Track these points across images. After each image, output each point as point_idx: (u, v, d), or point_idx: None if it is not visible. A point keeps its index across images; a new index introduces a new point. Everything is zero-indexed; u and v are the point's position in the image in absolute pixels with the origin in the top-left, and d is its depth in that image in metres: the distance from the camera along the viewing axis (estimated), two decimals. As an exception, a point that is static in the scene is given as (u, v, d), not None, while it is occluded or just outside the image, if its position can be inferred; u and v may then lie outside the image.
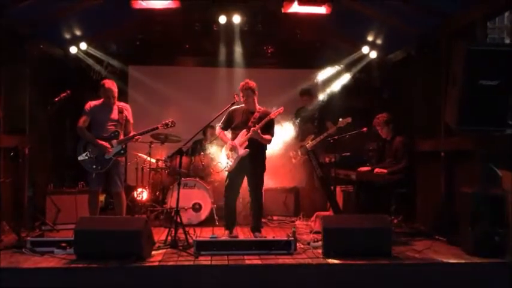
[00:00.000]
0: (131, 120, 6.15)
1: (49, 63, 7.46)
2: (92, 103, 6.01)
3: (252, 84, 5.90)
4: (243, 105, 5.98)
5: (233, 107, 6.00)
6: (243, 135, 5.86)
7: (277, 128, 7.08)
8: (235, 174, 5.93)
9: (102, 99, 6.01)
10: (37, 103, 6.69)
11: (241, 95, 5.89)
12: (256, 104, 5.99)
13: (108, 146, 5.83)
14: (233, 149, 5.88)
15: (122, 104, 6.16)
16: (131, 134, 6.03)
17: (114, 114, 6.01)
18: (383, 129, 6.54)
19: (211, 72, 8.51)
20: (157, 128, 6.06)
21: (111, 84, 5.99)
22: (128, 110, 6.14)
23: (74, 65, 8.07)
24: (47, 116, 6.07)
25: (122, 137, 5.99)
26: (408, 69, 7.32)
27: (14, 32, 6.29)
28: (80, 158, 5.86)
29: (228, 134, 6.11)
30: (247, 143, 5.82)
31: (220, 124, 6.08)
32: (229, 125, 6.05)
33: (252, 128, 5.75)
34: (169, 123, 6.03)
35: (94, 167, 5.84)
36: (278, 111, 5.91)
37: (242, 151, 5.81)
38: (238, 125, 5.94)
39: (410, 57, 7.10)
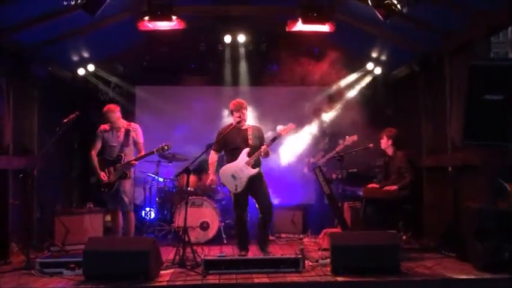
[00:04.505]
0: (140, 140, 6.29)
1: (57, 85, 7.56)
2: (102, 127, 6.28)
3: (244, 102, 5.93)
4: (232, 123, 5.91)
5: (221, 128, 6.01)
6: (246, 154, 5.76)
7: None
8: (243, 193, 5.82)
9: (108, 124, 6.26)
10: (45, 124, 6.77)
11: (236, 114, 5.81)
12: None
13: (102, 176, 6.10)
14: (238, 170, 5.75)
15: (131, 125, 6.32)
16: (132, 158, 6.21)
17: (120, 137, 6.23)
18: (384, 140, 6.58)
19: (217, 91, 8.59)
20: (153, 152, 6.19)
21: (108, 110, 6.22)
22: (136, 131, 6.29)
23: (81, 86, 8.20)
24: (55, 137, 6.15)
25: (130, 158, 6.18)
26: (413, 84, 7.35)
27: (22, 55, 6.39)
28: (91, 181, 6.25)
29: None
30: (254, 161, 5.76)
31: (213, 147, 5.94)
32: (224, 147, 5.98)
33: (263, 147, 5.72)
34: (165, 146, 6.16)
35: (102, 189, 6.14)
36: (289, 128, 5.88)
37: (253, 170, 5.74)
38: (237, 145, 5.85)
39: (415, 73, 7.13)
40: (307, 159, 7.82)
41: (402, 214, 6.33)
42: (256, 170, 5.75)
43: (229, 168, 5.82)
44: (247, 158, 5.76)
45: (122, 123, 6.29)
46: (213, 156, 6.04)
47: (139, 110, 8.64)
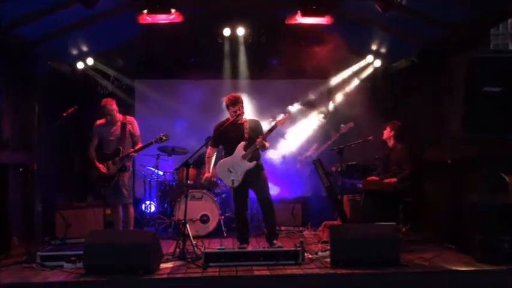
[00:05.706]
0: (136, 133, 6.31)
1: (56, 79, 7.54)
2: (98, 122, 6.31)
3: (240, 95, 5.88)
4: (228, 118, 5.84)
5: (218, 123, 5.94)
6: (242, 148, 5.71)
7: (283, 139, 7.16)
8: (242, 187, 5.78)
9: (105, 118, 6.27)
10: (45, 119, 6.77)
11: (233, 109, 5.74)
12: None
13: (102, 168, 6.11)
14: (234, 164, 5.72)
15: (127, 118, 6.32)
16: (131, 150, 6.21)
17: (116, 131, 6.24)
18: (386, 131, 6.62)
19: (217, 84, 8.54)
20: (151, 143, 6.20)
21: (107, 102, 6.23)
22: (132, 124, 6.32)
23: (81, 80, 8.17)
24: (55, 132, 6.17)
25: (128, 151, 6.18)
26: (413, 77, 7.33)
27: (21, 49, 6.38)
28: (91, 175, 6.24)
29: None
30: (250, 155, 5.71)
31: (210, 142, 5.95)
32: (221, 142, 5.96)
33: (258, 140, 5.63)
34: (163, 137, 6.15)
35: (101, 183, 6.15)
36: (286, 118, 5.82)
37: (249, 164, 5.68)
38: (234, 139, 5.79)
39: (415, 65, 7.11)
40: (300, 156, 7.81)
41: (402, 206, 6.33)
42: (252, 164, 5.69)
43: (225, 162, 5.79)
44: (244, 152, 5.71)
45: (119, 116, 6.30)
46: (209, 152, 6.03)
47: (139, 104, 8.62)
